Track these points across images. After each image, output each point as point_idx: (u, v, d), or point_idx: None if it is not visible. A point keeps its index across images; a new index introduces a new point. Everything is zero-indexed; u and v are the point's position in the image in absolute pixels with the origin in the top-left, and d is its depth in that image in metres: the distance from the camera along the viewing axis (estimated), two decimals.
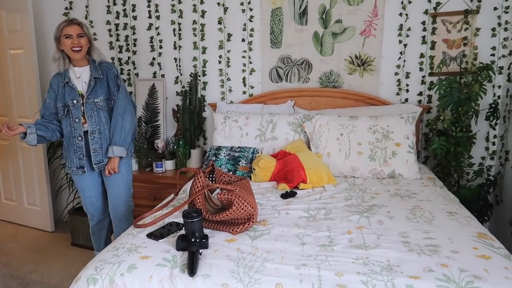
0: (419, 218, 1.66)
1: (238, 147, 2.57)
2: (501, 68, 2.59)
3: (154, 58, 3.16)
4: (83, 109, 2.22)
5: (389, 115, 2.48)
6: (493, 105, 2.51)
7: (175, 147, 2.93)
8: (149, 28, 3.12)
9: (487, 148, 2.70)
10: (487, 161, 2.71)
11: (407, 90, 2.76)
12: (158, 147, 3.02)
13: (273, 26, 2.89)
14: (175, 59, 3.12)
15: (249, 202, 1.57)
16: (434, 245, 1.40)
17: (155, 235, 1.53)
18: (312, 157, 2.32)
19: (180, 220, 1.63)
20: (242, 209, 1.55)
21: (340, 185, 2.20)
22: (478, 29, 2.58)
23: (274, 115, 2.64)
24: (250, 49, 2.96)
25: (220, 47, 3.01)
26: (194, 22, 3.03)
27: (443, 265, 1.25)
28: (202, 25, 3.02)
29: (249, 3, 2.90)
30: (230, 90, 3.06)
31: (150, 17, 3.10)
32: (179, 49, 3.10)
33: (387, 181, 2.26)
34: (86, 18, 3.21)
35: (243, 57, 2.99)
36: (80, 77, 2.23)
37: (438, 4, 2.62)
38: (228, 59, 3.02)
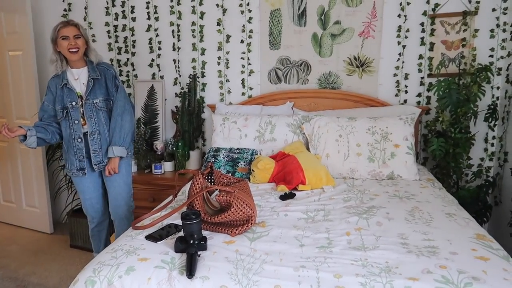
0: (418, 220, 1.66)
1: (237, 148, 2.57)
2: (500, 69, 2.60)
3: (153, 60, 3.16)
4: (82, 110, 2.22)
5: (388, 116, 2.49)
6: (492, 106, 2.51)
7: (174, 148, 2.92)
8: (148, 30, 3.11)
9: (486, 149, 2.70)
10: (486, 162, 2.71)
11: (406, 91, 2.77)
12: (157, 148, 3.02)
13: (272, 27, 2.89)
14: (174, 60, 3.12)
15: (247, 204, 1.57)
16: (433, 247, 1.40)
17: (154, 237, 1.52)
18: (311, 159, 2.31)
19: (179, 222, 1.63)
20: (241, 210, 1.55)
21: (339, 186, 2.19)
22: (476, 30, 2.58)
23: (273, 117, 2.64)
24: (249, 51, 2.96)
25: (219, 48, 3.01)
26: (193, 23, 3.03)
27: (442, 267, 1.25)
28: (201, 26, 3.02)
29: (248, 4, 2.90)
30: (229, 92, 3.06)
31: (149, 18, 3.10)
32: (178, 51, 3.10)
33: (386, 182, 2.26)
34: (85, 19, 3.21)
35: (242, 58, 2.99)
36: (78, 78, 2.23)
37: (436, 5, 2.62)
38: (227, 60, 3.02)
